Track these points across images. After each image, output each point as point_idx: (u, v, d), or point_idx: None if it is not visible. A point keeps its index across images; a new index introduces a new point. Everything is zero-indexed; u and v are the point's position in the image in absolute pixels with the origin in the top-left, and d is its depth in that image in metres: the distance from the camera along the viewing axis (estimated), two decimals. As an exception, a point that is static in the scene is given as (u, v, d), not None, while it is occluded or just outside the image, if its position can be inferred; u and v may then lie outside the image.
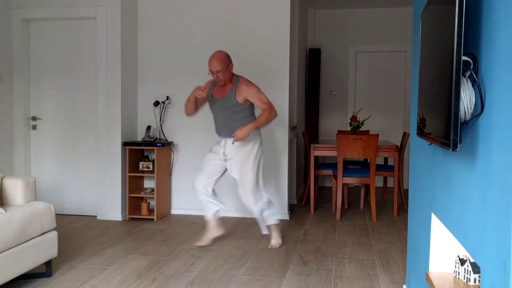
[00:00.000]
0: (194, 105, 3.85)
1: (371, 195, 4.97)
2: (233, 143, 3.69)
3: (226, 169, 3.98)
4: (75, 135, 5.07)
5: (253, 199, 3.86)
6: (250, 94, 3.75)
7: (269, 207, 3.98)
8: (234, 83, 3.81)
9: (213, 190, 4.01)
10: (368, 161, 6.01)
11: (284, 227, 4.67)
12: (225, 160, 3.91)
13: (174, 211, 5.22)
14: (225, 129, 3.85)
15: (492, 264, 1.28)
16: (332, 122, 7.29)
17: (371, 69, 7.16)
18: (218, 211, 4.03)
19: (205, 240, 4.01)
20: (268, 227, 4.06)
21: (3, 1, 4.88)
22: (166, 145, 4.93)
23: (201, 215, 5.14)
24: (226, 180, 5.12)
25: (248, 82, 3.81)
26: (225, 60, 3.70)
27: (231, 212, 5.12)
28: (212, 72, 3.70)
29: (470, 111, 1.45)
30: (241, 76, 3.88)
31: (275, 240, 3.99)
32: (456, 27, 1.38)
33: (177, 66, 5.15)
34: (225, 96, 3.80)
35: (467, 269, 1.84)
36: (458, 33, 1.38)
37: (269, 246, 3.95)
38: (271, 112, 3.69)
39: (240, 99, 3.77)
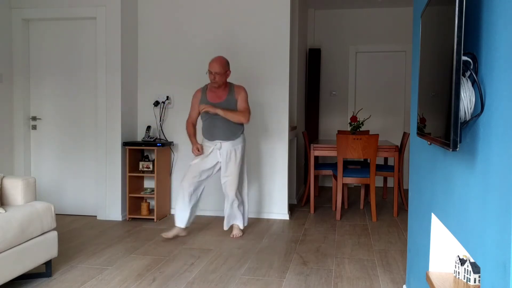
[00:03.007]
0: (193, 131, 4.26)
1: (371, 195, 4.97)
2: (203, 109, 4.00)
3: (211, 174, 4.26)
4: (75, 135, 5.07)
5: (237, 196, 4.23)
6: (241, 96, 4.12)
7: (244, 209, 4.37)
8: (230, 88, 4.16)
9: (197, 196, 4.25)
10: (368, 161, 6.01)
11: (284, 227, 4.67)
12: (218, 163, 4.21)
13: (174, 211, 5.21)
14: (222, 131, 4.12)
15: (492, 264, 1.28)
16: (332, 122, 7.29)
17: (371, 69, 7.16)
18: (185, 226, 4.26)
19: (171, 233, 4.18)
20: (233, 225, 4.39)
21: (3, 1, 4.88)
22: (166, 145, 4.93)
23: (201, 214, 5.14)
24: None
25: (245, 90, 4.18)
26: (225, 65, 4.06)
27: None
28: (210, 73, 4.02)
29: (470, 111, 1.45)
30: (236, 84, 4.31)
31: (236, 231, 4.33)
32: (456, 27, 1.38)
33: (177, 66, 5.15)
34: (226, 98, 4.11)
35: (467, 269, 1.84)
36: (458, 33, 1.38)
37: (232, 235, 4.29)
38: (244, 117, 4.07)
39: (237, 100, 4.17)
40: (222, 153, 4.15)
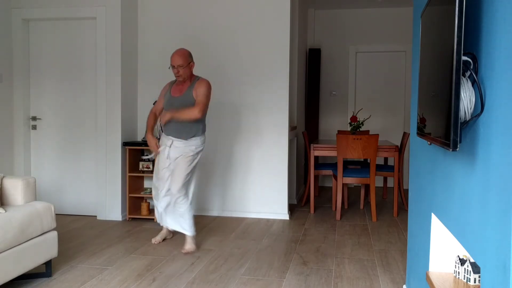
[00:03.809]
0: (153, 124, 4.03)
1: (371, 195, 4.97)
2: (163, 122, 3.75)
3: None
4: (75, 135, 5.07)
5: (176, 196, 3.84)
6: (199, 90, 3.79)
7: (187, 215, 3.89)
8: (193, 82, 3.87)
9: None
10: (368, 161, 6.01)
11: (284, 227, 4.67)
12: (169, 160, 3.90)
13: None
14: (175, 127, 3.82)
15: (492, 264, 1.28)
16: (332, 122, 7.29)
17: (371, 69, 7.16)
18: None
19: (160, 237, 4.13)
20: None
21: (3, 1, 4.88)
22: (166, 145, 4.93)
23: (201, 215, 5.14)
24: (224, 180, 5.12)
25: (206, 83, 3.85)
26: (187, 56, 3.80)
27: (231, 212, 5.12)
28: (173, 67, 3.78)
29: (470, 111, 1.45)
30: (202, 77, 3.96)
31: (189, 246, 3.85)
32: (456, 27, 1.38)
33: (177, 66, 5.15)
34: (182, 94, 3.84)
35: (467, 269, 1.84)
36: (458, 33, 1.38)
37: (183, 251, 3.81)
38: (194, 112, 3.72)
39: (195, 95, 3.81)
40: (172, 151, 3.85)
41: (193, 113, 3.71)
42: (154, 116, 4.05)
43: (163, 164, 3.92)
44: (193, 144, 3.86)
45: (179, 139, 3.84)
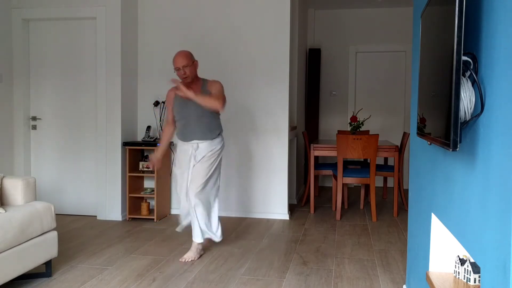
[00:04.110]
0: (169, 137, 3.89)
1: (371, 195, 4.97)
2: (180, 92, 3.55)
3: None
4: (75, 135, 5.07)
5: (196, 198, 3.67)
6: (215, 87, 3.70)
7: (206, 218, 3.75)
8: (204, 83, 3.76)
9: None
10: (368, 161, 6.01)
11: (284, 227, 4.67)
12: (191, 166, 3.74)
13: (174, 211, 5.22)
14: (197, 130, 3.69)
15: (492, 264, 1.28)
16: (332, 122, 7.29)
17: (371, 69, 7.16)
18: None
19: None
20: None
21: (3, 1, 4.88)
22: (166, 145, 4.93)
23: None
24: (223, 180, 5.12)
25: (220, 83, 3.76)
26: (190, 56, 3.69)
27: (231, 212, 5.12)
28: (178, 69, 3.63)
29: (470, 111, 1.45)
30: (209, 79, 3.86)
31: (191, 254, 3.68)
32: (456, 27, 1.38)
33: (177, 66, 5.14)
34: (199, 92, 3.67)
35: (467, 269, 1.84)
36: (458, 33, 1.38)
37: (181, 259, 3.64)
38: (217, 101, 3.57)
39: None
40: (199, 155, 3.71)
41: (216, 103, 3.55)
42: (170, 129, 3.88)
43: (183, 170, 3.76)
44: (218, 143, 3.76)
45: (204, 141, 3.70)
